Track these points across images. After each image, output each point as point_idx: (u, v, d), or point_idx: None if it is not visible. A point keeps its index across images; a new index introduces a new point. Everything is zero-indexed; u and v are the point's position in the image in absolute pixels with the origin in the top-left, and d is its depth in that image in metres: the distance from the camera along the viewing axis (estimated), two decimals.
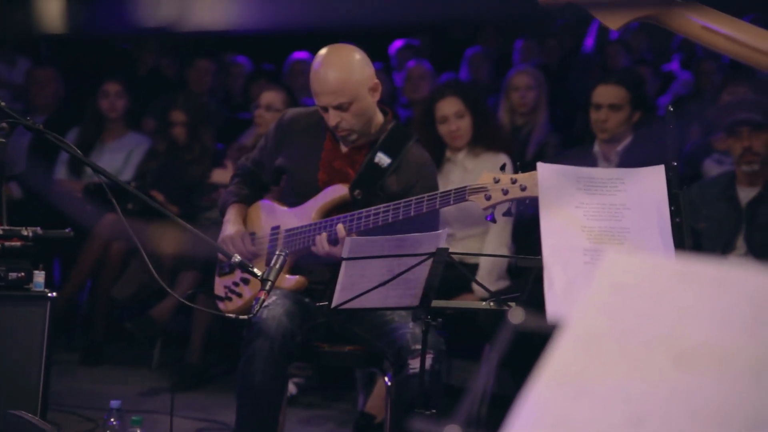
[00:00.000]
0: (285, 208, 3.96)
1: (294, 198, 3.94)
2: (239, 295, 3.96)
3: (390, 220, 3.57)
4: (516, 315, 1.26)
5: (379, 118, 3.88)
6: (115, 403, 3.82)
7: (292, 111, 4.08)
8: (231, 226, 3.97)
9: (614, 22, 1.95)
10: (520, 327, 1.28)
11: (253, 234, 3.99)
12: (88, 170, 6.17)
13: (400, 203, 3.57)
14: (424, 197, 3.52)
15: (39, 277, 3.67)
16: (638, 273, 1.21)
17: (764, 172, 4.80)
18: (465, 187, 3.45)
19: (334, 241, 3.66)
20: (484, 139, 5.34)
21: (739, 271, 1.16)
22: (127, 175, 6.52)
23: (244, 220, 4.03)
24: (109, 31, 6.78)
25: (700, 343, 1.15)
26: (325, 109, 3.77)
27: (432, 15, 8.10)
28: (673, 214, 2.73)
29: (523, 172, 3.35)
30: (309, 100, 6.52)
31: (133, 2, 7.13)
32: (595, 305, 1.23)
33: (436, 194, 3.52)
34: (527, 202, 3.32)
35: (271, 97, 6.17)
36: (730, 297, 1.15)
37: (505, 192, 3.35)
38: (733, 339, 1.14)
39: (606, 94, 5.08)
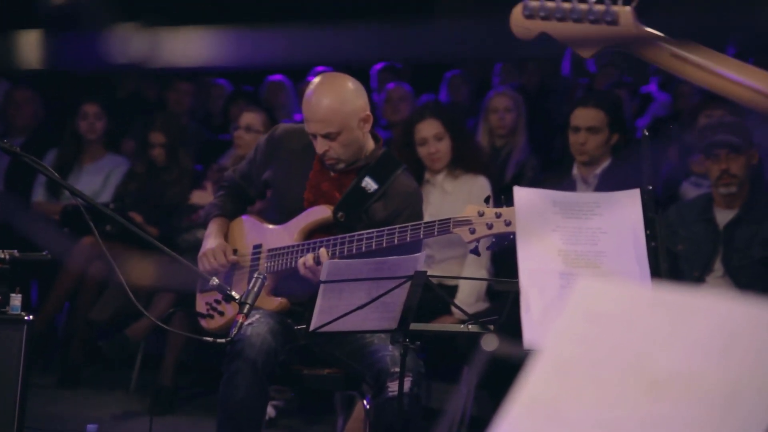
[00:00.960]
0: (267, 226, 3.95)
1: (277, 215, 3.93)
2: (221, 313, 3.95)
3: (373, 247, 3.57)
4: (489, 342, 1.27)
5: (370, 144, 3.88)
6: (92, 427, 3.80)
7: (285, 126, 4.06)
8: (212, 240, 3.96)
9: (586, 50, 1.97)
10: (493, 354, 1.29)
11: (235, 250, 3.98)
12: (67, 192, 6.16)
13: (383, 231, 3.57)
14: (407, 226, 3.52)
15: (16, 300, 3.65)
16: (611, 300, 1.21)
17: (741, 195, 4.82)
18: (449, 219, 3.45)
19: (317, 262, 3.66)
20: (464, 161, 5.35)
21: (711, 300, 1.17)
22: (105, 197, 6.49)
23: (226, 235, 4.03)
24: (84, 66, 6.79)
25: (672, 371, 1.15)
26: (314, 135, 3.76)
27: (409, 52, 8.20)
28: (649, 238, 2.74)
29: (505, 197, 3.35)
30: (288, 121, 6.53)
31: (107, 39, 7.16)
32: (569, 332, 1.23)
33: (420, 224, 3.52)
34: (511, 237, 3.30)
35: (250, 118, 6.17)
36: (702, 325, 1.16)
37: (490, 226, 3.36)
38: (705, 367, 1.15)
39: (584, 116, 5.10)
